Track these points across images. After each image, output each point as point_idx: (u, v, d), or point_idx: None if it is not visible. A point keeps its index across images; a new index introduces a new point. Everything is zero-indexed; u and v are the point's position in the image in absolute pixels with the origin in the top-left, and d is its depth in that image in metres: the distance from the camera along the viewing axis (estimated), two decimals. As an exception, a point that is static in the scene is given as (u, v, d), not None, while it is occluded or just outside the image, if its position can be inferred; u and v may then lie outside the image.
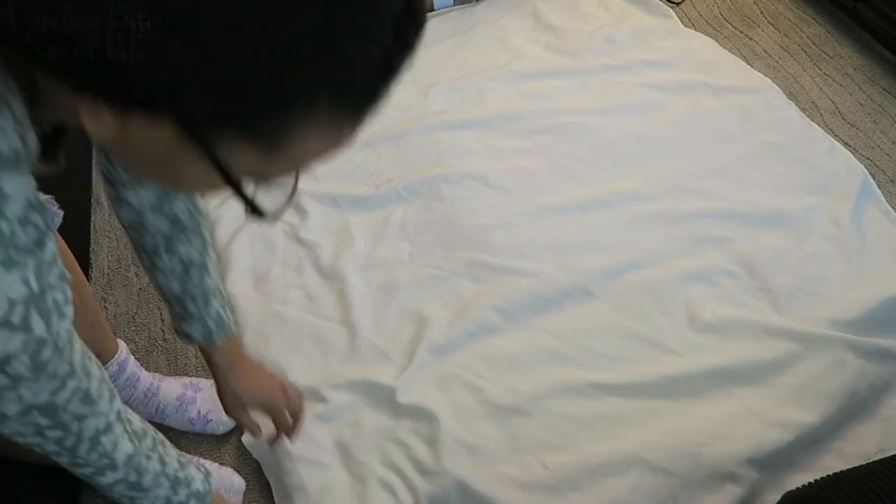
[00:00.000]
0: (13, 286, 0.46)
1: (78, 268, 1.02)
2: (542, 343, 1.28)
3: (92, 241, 1.46)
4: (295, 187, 0.52)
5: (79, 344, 0.59)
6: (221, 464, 1.13)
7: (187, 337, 0.85)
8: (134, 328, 1.30)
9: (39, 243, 0.48)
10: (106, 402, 0.64)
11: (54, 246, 0.50)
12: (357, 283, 1.37)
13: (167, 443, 0.76)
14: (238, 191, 0.45)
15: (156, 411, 1.15)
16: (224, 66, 0.38)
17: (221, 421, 1.18)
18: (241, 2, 0.36)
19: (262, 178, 0.47)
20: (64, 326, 0.53)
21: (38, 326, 0.49)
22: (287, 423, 0.95)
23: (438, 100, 1.70)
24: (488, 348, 1.27)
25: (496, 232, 1.44)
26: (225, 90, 0.39)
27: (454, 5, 2.07)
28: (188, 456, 0.84)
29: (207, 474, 0.82)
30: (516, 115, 1.68)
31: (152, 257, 0.80)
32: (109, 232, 1.44)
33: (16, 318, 0.47)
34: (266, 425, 0.97)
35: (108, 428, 0.65)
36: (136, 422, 0.71)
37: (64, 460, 0.65)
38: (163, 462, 0.73)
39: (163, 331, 1.30)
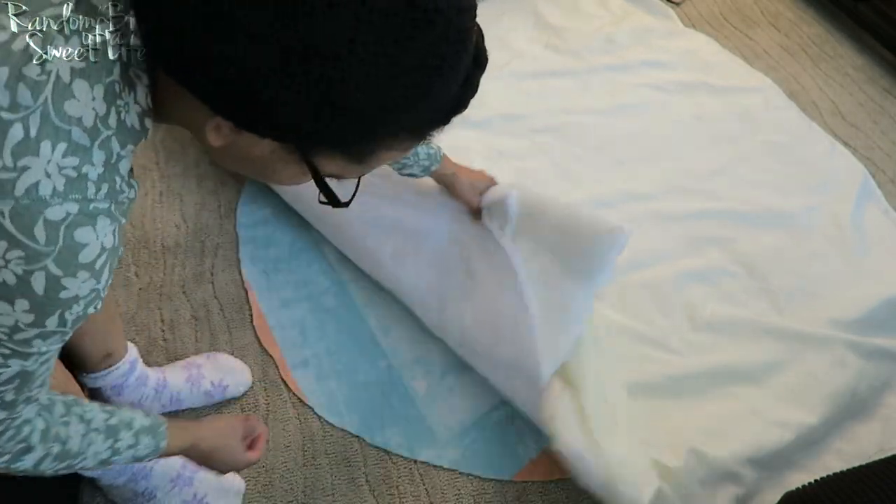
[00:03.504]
0: (108, 237, 0.54)
1: None
2: (542, 343, 1.28)
3: (92, 241, 1.45)
4: (359, 183, 0.66)
5: None
6: (221, 464, 1.13)
7: (411, 175, 1.18)
8: (134, 328, 1.30)
9: (128, 209, 0.56)
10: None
11: None
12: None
13: (83, 400, 0.72)
14: (325, 188, 0.59)
15: (170, 401, 1.16)
16: (348, 112, 0.49)
17: (239, 382, 1.21)
18: (375, 75, 0.47)
19: (341, 177, 0.60)
20: (107, 286, 0.58)
21: (103, 279, 0.56)
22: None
23: (438, 100, 1.70)
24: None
25: (496, 232, 1.44)
26: (342, 128, 0.50)
27: (454, 5, 2.07)
28: (115, 406, 0.76)
29: (149, 412, 0.79)
30: (516, 115, 1.68)
31: None
32: (109, 232, 1.45)
33: (98, 265, 0.54)
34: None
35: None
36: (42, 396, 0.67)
37: None
38: (84, 420, 0.69)
39: (162, 331, 1.30)
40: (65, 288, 0.53)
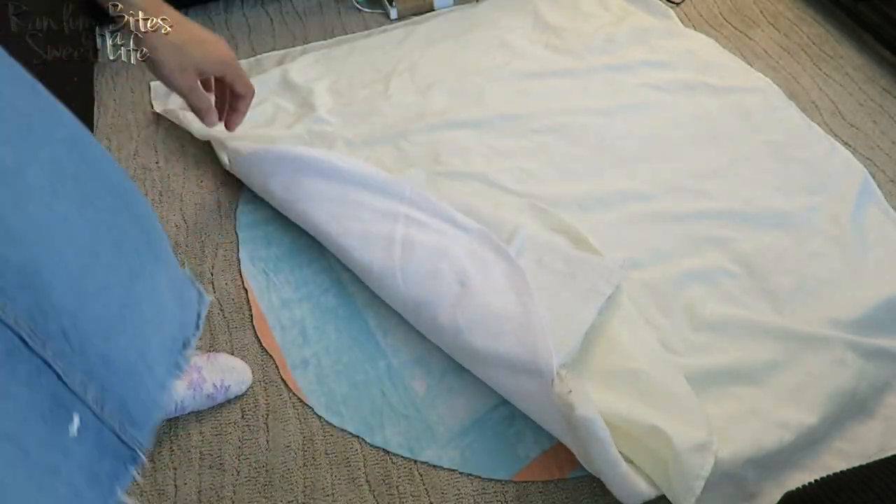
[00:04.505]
0: None
1: None
2: (542, 343, 1.28)
3: (92, 241, 1.45)
4: None
5: None
6: (222, 463, 1.14)
7: None
8: (134, 328, 1.30)
9: None
10: None
11: None
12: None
13: None
14: None
15: (174, 410, 1.16)
16: None
17: (241, 380, 1.22)
18: None
19: None
20: None
21: None
22: (248, 85, 0.76)
23: (438, 100, 1.70)
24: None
25: (496, 232, 1.44)
26: None
27: (454, 5, 2.07)
28: None
29: None
30: (516, 115, 1.68)
31: None
32: (109, 232, 1.45)
33: None
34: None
35: None
36: None
37: None
38: None
39: (163, 331, 1.30)
40: None
